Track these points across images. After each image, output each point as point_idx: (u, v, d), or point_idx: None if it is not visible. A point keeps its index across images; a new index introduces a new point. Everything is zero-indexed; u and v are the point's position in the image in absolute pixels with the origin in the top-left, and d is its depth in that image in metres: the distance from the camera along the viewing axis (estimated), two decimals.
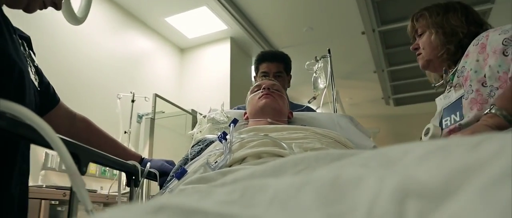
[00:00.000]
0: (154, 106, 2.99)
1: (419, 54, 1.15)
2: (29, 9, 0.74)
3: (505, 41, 0.90)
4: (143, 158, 1.06)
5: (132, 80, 3.28)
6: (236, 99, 3.59)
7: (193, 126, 2.87)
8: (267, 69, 1.63)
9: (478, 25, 1.05)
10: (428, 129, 1.05)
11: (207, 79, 3.80)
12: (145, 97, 2.92)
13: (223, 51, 3.86)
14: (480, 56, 0.95)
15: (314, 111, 1.77)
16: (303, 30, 3.89)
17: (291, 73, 1.75)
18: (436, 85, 1.22)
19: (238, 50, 4.02)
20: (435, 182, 0.18)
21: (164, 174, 1.00)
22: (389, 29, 3.84)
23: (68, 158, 0.36)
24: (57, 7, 0.79)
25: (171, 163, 1.06)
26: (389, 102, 5.82)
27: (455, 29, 1.04)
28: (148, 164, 0.99)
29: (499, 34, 0.92)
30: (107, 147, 1.00)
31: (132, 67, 3.35)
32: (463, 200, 0.16)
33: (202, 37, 3.86)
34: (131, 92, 2.93)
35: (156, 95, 3.01)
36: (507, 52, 0.89)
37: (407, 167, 0.21)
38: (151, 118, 2.96)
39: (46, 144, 0.37)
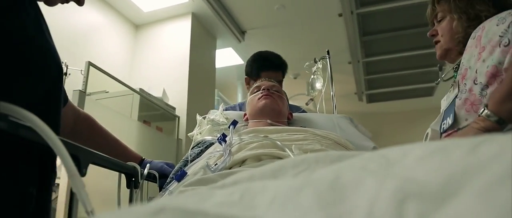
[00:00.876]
0: (87, 77, 2.19)
1: (437, 42, 1.04)
2: (50, 2, 0.70)
3: (502, 32, 0.81)
4: (144, 159, 1.06)
5: (78, 57, 2.58)
6: (196, 86, 3.08)
7: (141, 108, 2.56)
8: (269, 77, 1.49)
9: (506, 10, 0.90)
10: (427, 134, 1.01)
11: (163, 60, 3.18)
12: (81, 70, 2.27)
13: (183, 28, 3.22)
14: (475, 51, 0.87)
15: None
16: (274, 8, 3.40)
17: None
18: (442, 77, 1.12)
19: (200, 29, 3.38)
20: (434, 183, 0.18)
21: (164, 176, 1.00)
22: (368, 12, 3.45)
23: (68, 159, 0.36)
24: (80, 2, 0.74)
25: (171, 165, 1.06)
26: (362, 98, 5.19)
27: (479, 15, 0.92)
28: (148, 166, 0.99)
29: (496, 25, 0.83)
30: (109, 147, 0.99)
31: (79, 43, 2.75)
32: (463, 202, 0.16)
33: (159, 12, 3.23)
34: (63, 62, 2.16)
35: (90, 64, 2.23)
36: (505, 43, 0.80)
37: (406, 169, 0.21)
38: (80, 90, 2.11)
39: (45, 145, 0.37)
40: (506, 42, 0.80)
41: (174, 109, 2.83)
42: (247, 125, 1.20)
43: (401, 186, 0.18)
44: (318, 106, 1.91)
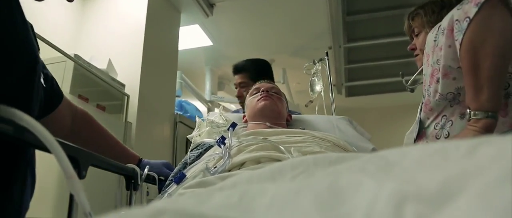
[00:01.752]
0: None
1: (416, 54, 1.12)
2: None
3: (435, 37, 0.90)
4: (142, 159, 1.04)
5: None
6: (153, 64, 2.56)
7: (76, 79, 1.89)
8: (241, 80, 1.76)
9: None
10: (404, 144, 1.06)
11: (112, 29, 2.64)
12: None
13: None
14: (426, 62, 0.97)
15: None
16: None
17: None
18: (408, 85, 1.21)
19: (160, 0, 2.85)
20: (433, 185, 0.18)
21: (163, 178, 0.99)
22: None
23: (65, 160, 0.36)
24: None
25: (168, 166, 1.04)
26: (341, 90, 4.67)
27: None
28: (147, 167, 0.99)
29: (431, 33, 0.93)
30: (107, 147, 0.98)
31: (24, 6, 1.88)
32: (462, 204, 0.16)
33: None
34: None
35: None
36: (436, 44, 0.89)
37: (405, 171, 0.21)
38: None
39: (43, 147, 0.37)
40: (437, 43, 0.89)
41: (123, 86, 2.29)
42: (246, 127, 1.20)
43: (399, 188, 0.18)
44: (317, 108, 1.91)
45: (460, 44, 0.79)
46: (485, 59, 0.76)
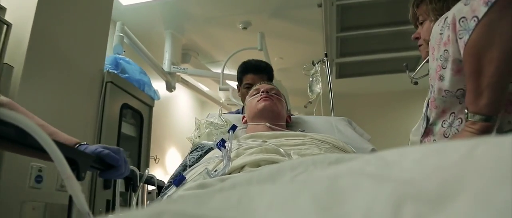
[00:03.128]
0: None
1: (420, 44, 1.07)
2: None
3: (441, 30, 0.86)
4: (80, 143, 0.85)
5: None
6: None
7: None
8: (251, 81, 1.63)
9: None
10: (410, 142, 1.03)
11: None
12: None
13: None
14: (431, 56, 0.92)
15: None
16: None
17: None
18: (412, 77, 1.16)
19: None
20: (432, 186, 0.18)
21: (108, 165, 0.81)
22: None
23: (62, 161, 0.36)
24: None
25: (112, 149, 0.82)
26: (332, 69, 3.44)
27: None
28: (147, 170, 0.98)
29: (437, 25, 0.88)
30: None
31: None
32: (460, 204, 0.16)
33: None
34: None
35: None
36: (444, 41, 0.84)
37: (404, 171, 0.21)
38: None
39: (41, 149, 0.37)
40: (443, 37, 0.84)
41: (3, 9, 1.55)
42: (246, 128, 1.20)
43: (398, 188, 0.18)
44: (315, 108, 1.91)
45: (465, 45, 0.76)
46: (489, 65, 0.73)
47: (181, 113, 4.25)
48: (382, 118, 4.44)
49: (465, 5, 0.78)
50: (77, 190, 0.38)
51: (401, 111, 4.35)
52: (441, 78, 0.87)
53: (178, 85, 3.39)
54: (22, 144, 0.57)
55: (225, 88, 2.84)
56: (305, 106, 2.11)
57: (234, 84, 2.58)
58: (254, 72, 1.66)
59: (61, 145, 0.63)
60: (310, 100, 2.11)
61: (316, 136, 1.00)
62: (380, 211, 0.17)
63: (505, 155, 0.19)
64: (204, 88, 4.38)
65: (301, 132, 1.12)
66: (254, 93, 1.22)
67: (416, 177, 0.19)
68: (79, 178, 0.67)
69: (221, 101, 4.19)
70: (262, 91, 1.18)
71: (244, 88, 1.65)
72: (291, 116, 1.35)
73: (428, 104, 0.97)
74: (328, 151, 0.92)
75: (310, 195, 0.19)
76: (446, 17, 0.84)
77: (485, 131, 0.75)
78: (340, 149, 0.99)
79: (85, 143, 0.84)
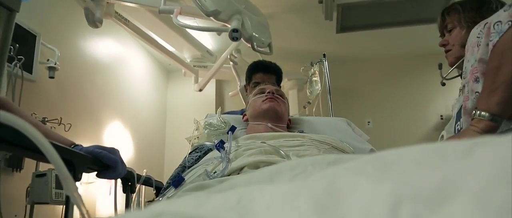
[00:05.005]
0: None
1: (448, 50, 1.09)
2: None
3: (479, 33, 0.87)
4: (75, 144, 0.83)
5: None
6: None
7: None
8: (261, 80, 1.64)
9: None
10: (442, 136, 1.03)
11: None
12: None
13: None
14: (466, 57, 0.93)
15: None
16: None
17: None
18: (445, 76, 1.18)
19: None
20: (430, 186, 0.18)
21: (103, 164, 0.80)
22: None
23: (59, 162, 0.36)
24: None
25: (107, 149, 0.81)
26: (331, 15, 2.48)
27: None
28: (144, 171, 0.98)
29: (476, 28, 0.90)
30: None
31: None
32: (458, 205, 0.16)
33: None
34: None
35: None
36: (479, 42, 0.86)
37: (402, 172, 0.21)
38: None
39: (37, 150, 0.37)
40: (480, 41, 0.85)
41: None
42: (246, 128, 1.20)
43: (396, 189, 0.18)
44: (314, 109, 1.92)
45: (493, 46, 0.77)
46: (508, 63, 0.73)
47: (134, 77, 3.33)
48: (389, 87, 3.72)
49: (504, 11, 0.79)
50: (75, 191, 0.38)
51: (411, 78, 3.66)
52: (477, 80, 0.87)
53: (129, 39, 3.00)
54: (19, 145, 0.57)
55: (167, 10, 1.71)
56: (304, 107, 2.11)
57: (200, 34, 2.27)
58: (264, 71, 1.68)
59: (57, 147, 0.63)
60: (309, 101, 2.11)
61: (315, 137, 1.00)
62: (378, 211, 0.17)
63: (504, 154, 0.19)
64: (168, 47, 2.73)
65: (300, 132, 1.12)
66: (259, 92, 1.23)
67: (415, 177, 0.19)
68: (76, 178, 0.67)
69: (187, 62, 2.85)
70: (268, 92, 1.19)
71: (252, 87, 1.66)
72: (290, 117, 1.35)
73: (461, 105, 0.97)
74: (327, 151, 0.92)
75: (308, 195, 0.19)
76: (486, 23, 0.85)
77: (489, 130, 0.76)
78: (339, 149, 0.99)
79: (80, 145, 0.83)
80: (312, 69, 2.19)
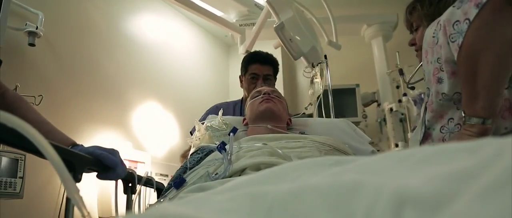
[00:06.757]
0: None
1: (417, 50, 1.06)
2: None
3: (434, 33, 0.86)
4: (77, 144, 0.83)
5: None
6: None
7: None
8: (258, 71, 1.62)
9: None
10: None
11: None
12: None
13: None
14: (425, 59, 0.92)
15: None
16: None
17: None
18: (408, 82, 1.18)
19: None
20: (432, 188, 0.18)
21: (104, 165, 0.79)
22: None
23: (60, 163, 0.36)
24: None
25: (108, 150, 0.80)
26: None
27: None
28: (146, 172, 0.98)
29: (429, 28, 0.88)
30: (45, 135, 0.84)
31: None
32: (461, 205, 0.16)
33: None
34: None
35: None
36: (437, 43, 0.84)
37: (404, 173, 0.20)
38: None
39: (38, 152, 0.37)
40: (436, 40, 0.85)
41: None
42: (246, 130, 1.20)
43: (398, 191, 0.18)
44: (315, 110, 1.91)
45: (460, 48, 0.76)
46: (485, 68, 0.73)
47: (182, 55, 2.90)
48: None
49: (457, 8, 0.78)
50: (75, 192, 0.38)
51: None
52: (440, 81, 0.87)
53: (172, 12, 2.64)
54: (20, 146, 0.57)
55: None
56: (306, 108, 2.11)
57: None
58: (260, 62, 1.64)
59: (58, 148, 0.63)
60: (311, 102, 2.11)
61: (316, 138, 1.00)
62: (381, 213, 0.17)
63: (506, 156, 0.18)
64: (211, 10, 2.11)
65: (301, 134, 1.12)
66: (256, 95, 1.22)
67: (417, 178, 0.19)
68: (76, 179, 0.67)
69: (233, 21, 2.19)
70: (264, 93, 1.19)
71: (248, 78, 1.63)
72: (291, 118, 1.35)
73: (426, 108, 0.97)
74: (329, 153, 0.92)
75: (310, 198, 0.19)
76: (439, 21, 0.84)
77: (483, 134, 0.76)
78: (340, 151, 0.99)
79: (80, 144, 0.83)
80: (313, 71, 2.18)
